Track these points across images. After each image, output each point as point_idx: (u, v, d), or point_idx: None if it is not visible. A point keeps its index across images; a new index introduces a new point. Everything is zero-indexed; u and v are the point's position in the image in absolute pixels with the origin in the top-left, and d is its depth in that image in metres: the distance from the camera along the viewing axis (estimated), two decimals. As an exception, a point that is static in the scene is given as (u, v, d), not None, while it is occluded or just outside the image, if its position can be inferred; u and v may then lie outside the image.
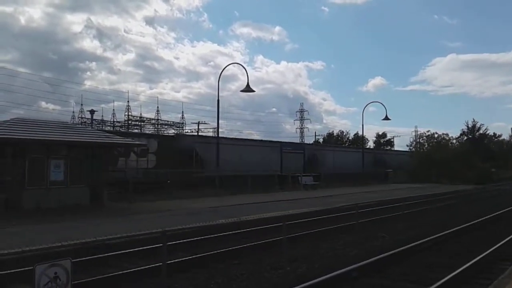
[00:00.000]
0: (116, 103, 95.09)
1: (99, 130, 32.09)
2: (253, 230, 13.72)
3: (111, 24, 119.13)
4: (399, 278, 8.53)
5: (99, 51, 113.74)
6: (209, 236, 12.37)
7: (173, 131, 60.01)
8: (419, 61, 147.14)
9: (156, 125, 62.11)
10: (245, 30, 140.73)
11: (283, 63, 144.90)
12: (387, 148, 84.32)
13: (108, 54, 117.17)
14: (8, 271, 8.11)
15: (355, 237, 12.68)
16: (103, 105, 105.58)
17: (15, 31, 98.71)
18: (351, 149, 65.94)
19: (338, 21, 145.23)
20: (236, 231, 13.36)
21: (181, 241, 11.35)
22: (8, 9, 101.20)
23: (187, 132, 60.56)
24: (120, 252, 10.11)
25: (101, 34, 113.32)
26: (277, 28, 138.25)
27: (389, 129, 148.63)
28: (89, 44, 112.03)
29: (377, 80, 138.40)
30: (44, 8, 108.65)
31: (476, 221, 16.04)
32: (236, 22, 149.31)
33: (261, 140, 48.27)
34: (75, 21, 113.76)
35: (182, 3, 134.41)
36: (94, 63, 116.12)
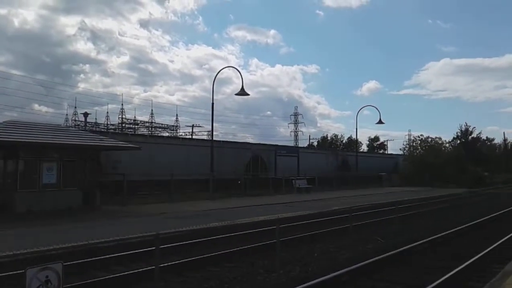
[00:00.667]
0: (110, 106, 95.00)
1: (92, 132, 31.85)
2: (246, 233, 13.68)
3: (105, 26, 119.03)
4: (392, 280, 8.54)
5: (93, 54, 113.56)
6: (203, 239, 12.32)
7: (167, 134, 59.99)
8: (413, 65, 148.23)
9: (150, 128, 62.06)
10: (240, 33, 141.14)
11: (278, 66, 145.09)
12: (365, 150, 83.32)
13: (103, 56, 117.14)
14: (-1, 275, 8.04)
15: (349, 240, 12.68)
16: (96, 108, 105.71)
17: (9, 33, 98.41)
18: (310, 150, 59.78)
19: (332, 25, 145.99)
20: (229, 234, 13.31)
21: (174, 244, 11.29)
22: (2, 11, 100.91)
23: (181, 135, 60.54)
24: (112, 255, 10.05)
25: (95, 36, 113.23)
26: (272, 32, 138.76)
27: (383, 133, 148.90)
28: (83, 46, 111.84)
29: (372, 84, 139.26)
30: (38, 11, 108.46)
31: (469, 224, 16.11)
32: (231, 26, 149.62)
33: (177, 138, 45.17)
34: (69, 23, 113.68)
35: (177, 6, 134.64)
36: (87, 65, 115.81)
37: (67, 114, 63.41)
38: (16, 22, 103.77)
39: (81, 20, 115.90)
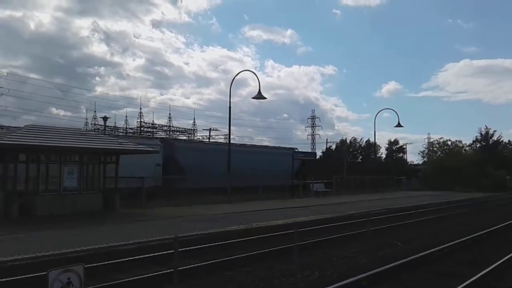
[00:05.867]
0: (127, 109, 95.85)
1: (112, 136, 32.20)
2: (264, 237, 13.70)
3: (120, 28, 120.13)
4: (411, 286, 8.46)
5: (108, 56, 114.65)
6: (220, 242, 12.38)
7: (185, 137, 60.39)
8: (431, 67, 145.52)
9: (168, 132, 62.58)
10: (255, 33, 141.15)
11: (295, 67, 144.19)
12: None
13: (118, 59, 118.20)
14: (22, 276, 8.21)
15: (368, 245, 12.60)
16: (114, 111, 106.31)
17: (25, 37, 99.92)
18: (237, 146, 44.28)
19: (349, 24, 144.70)
20: (246, 238, 13.35)
21: (193, 247, 11.37)
22: (17, 14, 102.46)
23: (199, 138, 60.87)
24: (132, 258, 10.18)
25: (110, 38, 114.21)
26: (289, 31, 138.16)
27: (403, 136, 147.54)
28: (98, 49, 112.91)
29: (391, 85, 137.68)
30: (53, 13, 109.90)
31: (491, 229, 15.86)
32: (246, 26, 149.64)
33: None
34: (84, 26, 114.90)
35: (191, 7, 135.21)
36: (102, 68, 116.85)
37: (86, 118, 64.38)
38: (32, 25, 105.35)
39: (95, 22, 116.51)
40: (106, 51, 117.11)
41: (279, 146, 48.17)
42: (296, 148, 48.17)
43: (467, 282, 8.14)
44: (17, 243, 11.49)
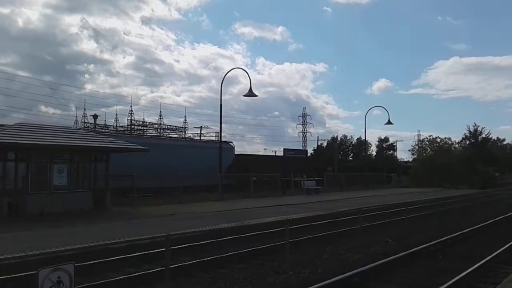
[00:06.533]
0: (117, 107, 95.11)
1: (101, 134, 31.94)
2: (255, 234, 13.69)
3: (109, 25, 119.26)
4: (402, 282, 8.52)
5: (98, 54, 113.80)
6: (212, 240, 12.35)
7: (176, 135, 60.19)
8: (421, 64, 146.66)
9: (158, 130, 62.33)
10: (246, 30, 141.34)
11: (286, 64, 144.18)
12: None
13: (108, 57, 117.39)
14: (11, 276, 8.13)
15: (359, 242, 12.64)
16: (104, 109, 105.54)
17: (13, 34, 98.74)
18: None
19: (340, 21, 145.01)
20: (238, 236, 13.33)
21: (185, 245, 11.34)
22: (5, 10, 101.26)
23: (190, 136, 60.64)
24: (123, 256, 10.12)
25: (100, 36, 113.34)
26: (280, 28, 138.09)
27: (393, 133, 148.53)
28: (88, 46, 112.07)
29: (382, 83, 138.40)
30: (41, 10, 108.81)
31: (480, 225, 16.00)
32: (236, 23, 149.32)
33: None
34: (73, 23, 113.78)
35: (181, 4, 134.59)
36: (92, 65, 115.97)
37: (76, 116, 63.86)
38: (20, 22, 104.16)
39: (83, 19, 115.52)
40: (95, 48, 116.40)
41: (216, 140, 43.13)
42: (231, 142, 44.24)
43: (457, 278, 8.19)
44: (6, 242, 11.36)
